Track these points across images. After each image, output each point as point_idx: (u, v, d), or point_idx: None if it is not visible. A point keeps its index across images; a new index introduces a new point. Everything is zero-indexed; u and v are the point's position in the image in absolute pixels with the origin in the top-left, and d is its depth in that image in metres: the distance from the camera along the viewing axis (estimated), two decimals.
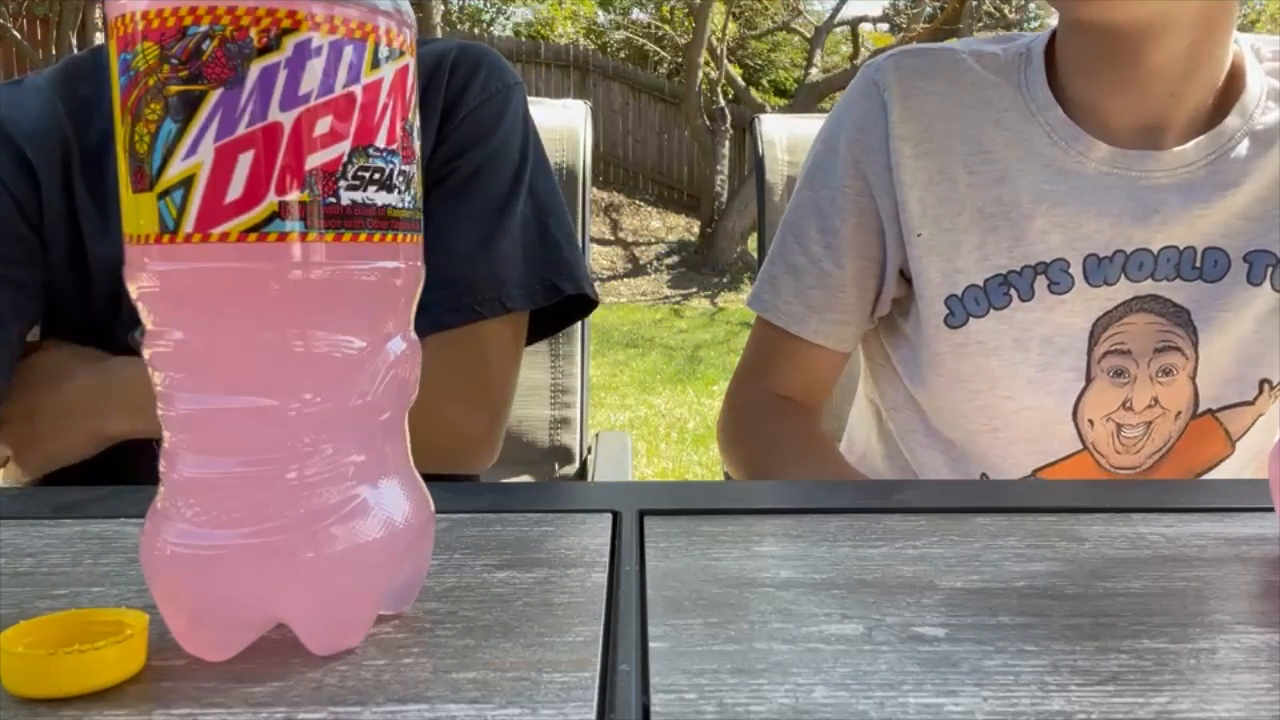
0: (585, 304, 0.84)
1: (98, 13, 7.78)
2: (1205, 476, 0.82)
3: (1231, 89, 0.79)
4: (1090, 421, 0.79)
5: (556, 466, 1.26)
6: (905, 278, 0.84)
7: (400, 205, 0.35)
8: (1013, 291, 0.79)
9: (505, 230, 0.80)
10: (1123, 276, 0.77)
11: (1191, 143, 0.77)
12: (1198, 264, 0.77)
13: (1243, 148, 0.77)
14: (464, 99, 0.81)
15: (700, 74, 8.83)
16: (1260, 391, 0.79)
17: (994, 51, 0.82)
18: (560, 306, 0.82)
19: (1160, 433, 0.80)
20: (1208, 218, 0.76)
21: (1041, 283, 0.78)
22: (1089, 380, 0.78)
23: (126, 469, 0.78)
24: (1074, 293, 0.78)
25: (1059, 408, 0.79)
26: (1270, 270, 0.77)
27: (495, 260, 0.79)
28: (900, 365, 0.88)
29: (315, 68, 0.32)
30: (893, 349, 0.89)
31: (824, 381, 0.89)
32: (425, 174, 0.79)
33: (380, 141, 0.34)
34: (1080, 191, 0.77)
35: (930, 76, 0.81)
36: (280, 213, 0.32)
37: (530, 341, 0.85)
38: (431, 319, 0.76)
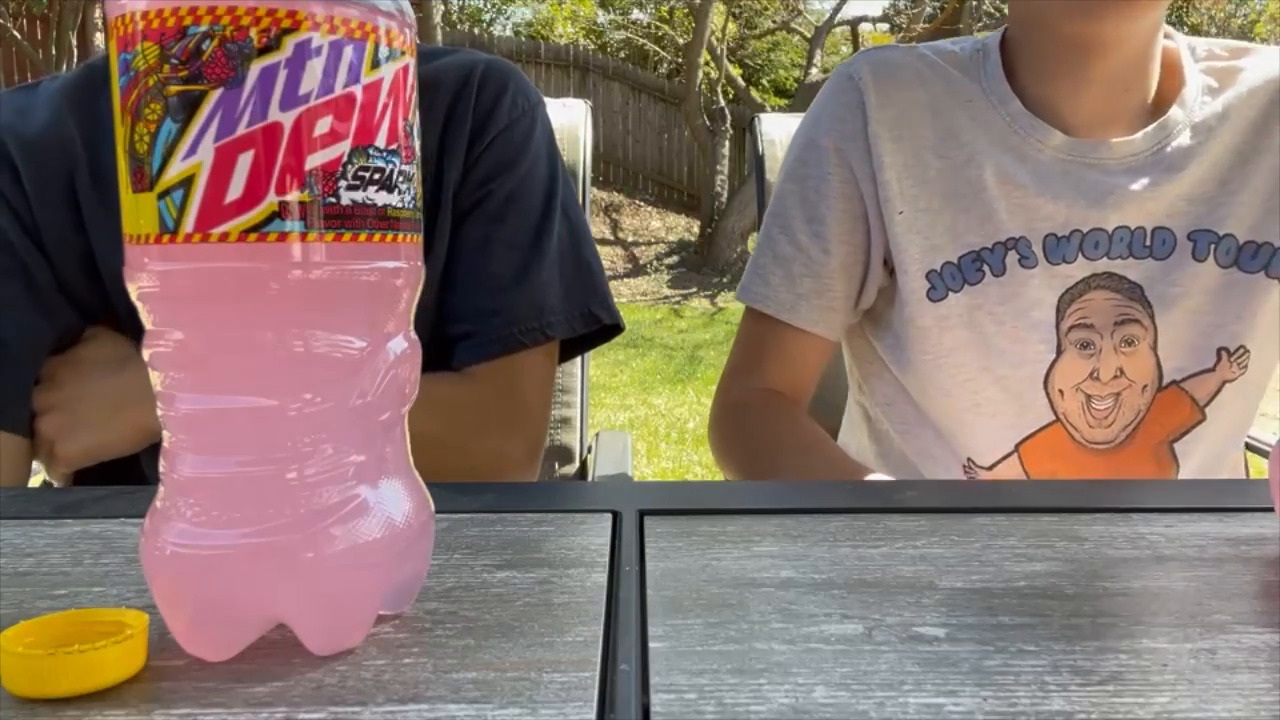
0: (610, 329, 0.85)
1: (98, 13, 7.78)
2: (1182, 443, 0.85)
3: (1173, 84, 0.86)
4: (1061, 392, 0.84)
5: (556, 466, 1.26)
6: (888, 268, 0.88)
7: (400, 205, 0.35)
8: (986, 268, 0.84)
9: (543, 257, 0.80)
10: (1080, 255, 0.83)
11: (1140, 133, 0.83)
12: (1148, 243, 0.83)
13: (1184, 137, 0.83)
14: (493, 119, 0.81)
15: (700, 74, 8.83)
16: (1219, 359, 0.84)
17: (953, 49, 0.89)
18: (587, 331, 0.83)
19: (1130, 405, 0.84)
20: (1155, 200, 0.83)
21: (1012, 258, 0.83)
22: (1059, 352, 0.83)
23: (133, 468, 0.77)
24: (1039, 269, 0.83)
25: (1031, 379, 0.84)
26: (1213, 248, 0.83)
27: (535, 288, 0.79)
28: (887, 353, 0.90)
29: (315, 68, 0.32)
30: (879, 340, 0.91)
31: (813, 373, 0.92)
32: (456, 199, 0.79)
33: (380, 141, 0.34)
34: (1039, 176, 0.83)
35: (900, 69, 0.87)
36: (280, 213, 0.32)
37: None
38: (476, 347, 0.77)
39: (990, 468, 0.87)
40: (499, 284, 0.78)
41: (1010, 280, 0.83)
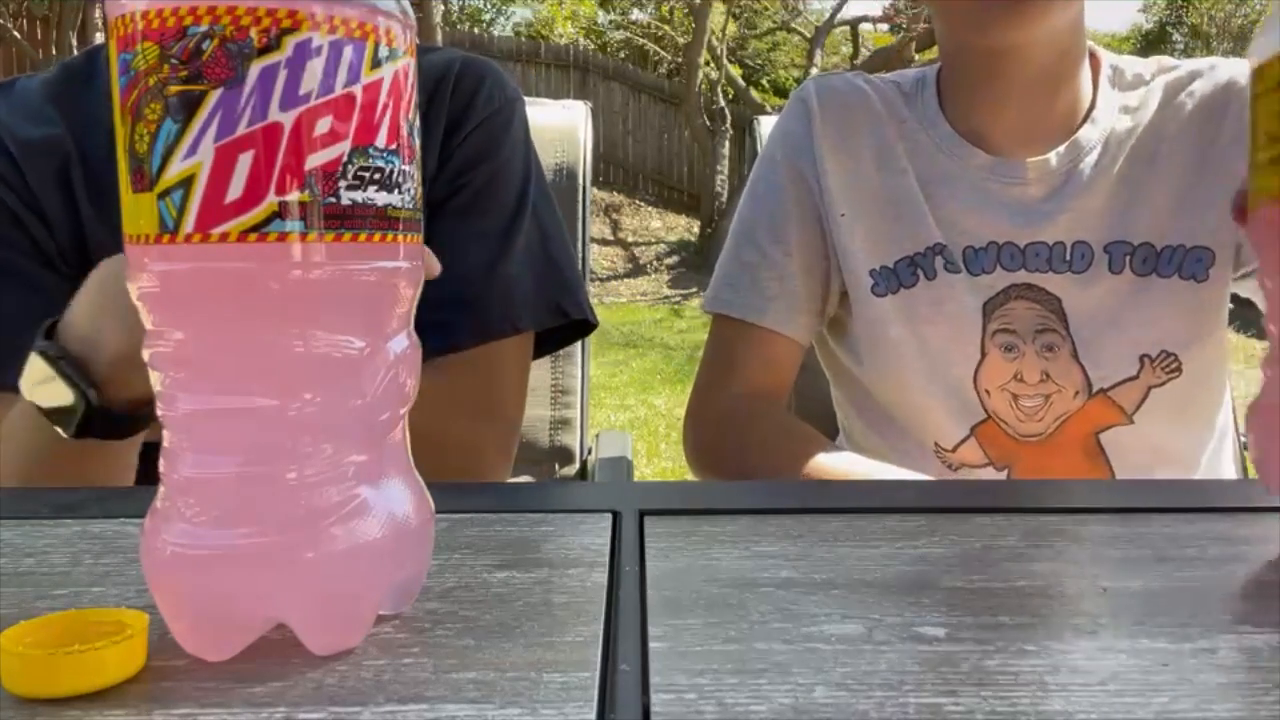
0: (583, 327, 0.85)
1: (98, 13, 7.77)
2: (1107, 435, 0.88)
3: (1090, 102, 0.91)
4: (987, 392, 0.89)
5: (556, 466, 1.26)
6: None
7: (400, 205, 0.35)
8: (919, 272, 0.90)
9: (513, 250, 0.80)
10: (998, 266, 0.88)
11: (1053, 152, 0.88)
12: (1067, 257, 0.88)
13: (1095, 154, 0.88)
14: (469, 114, 0.81)
15: (700, 74, 8.83)
16: (1142, 365, 0.87)
17: (894, 80, 0.98)
18: (559, 327, 0.83)
19: (1060, 406, 0.88)
20: (1069, 215, 0.88)
21: (939, 262, 0.89)
22: (984, 354, 0.88)
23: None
24: (962, 275, 0.89)
25: (962, 378, 0.89)
26: (1128, 258, 0.87)
27: (504, 281, 0.79)
28: (846, 354, 0.96)
29: (315, 68, 0.32)
30: (839, 344, 0.97)
31: (787, 375, 0.94)
32: (430, 191, 0.79)
33: (380, 141, 0.34)
34: (960, 193, 0.90)
35: (844, 93, 0.95)
36: (280, 213, 0.32)
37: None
38: (442, 339, 0.76)
39: (953, 450, 0.90)
40: (469, 276, 0.78)
41: (939, 284, 0.89)
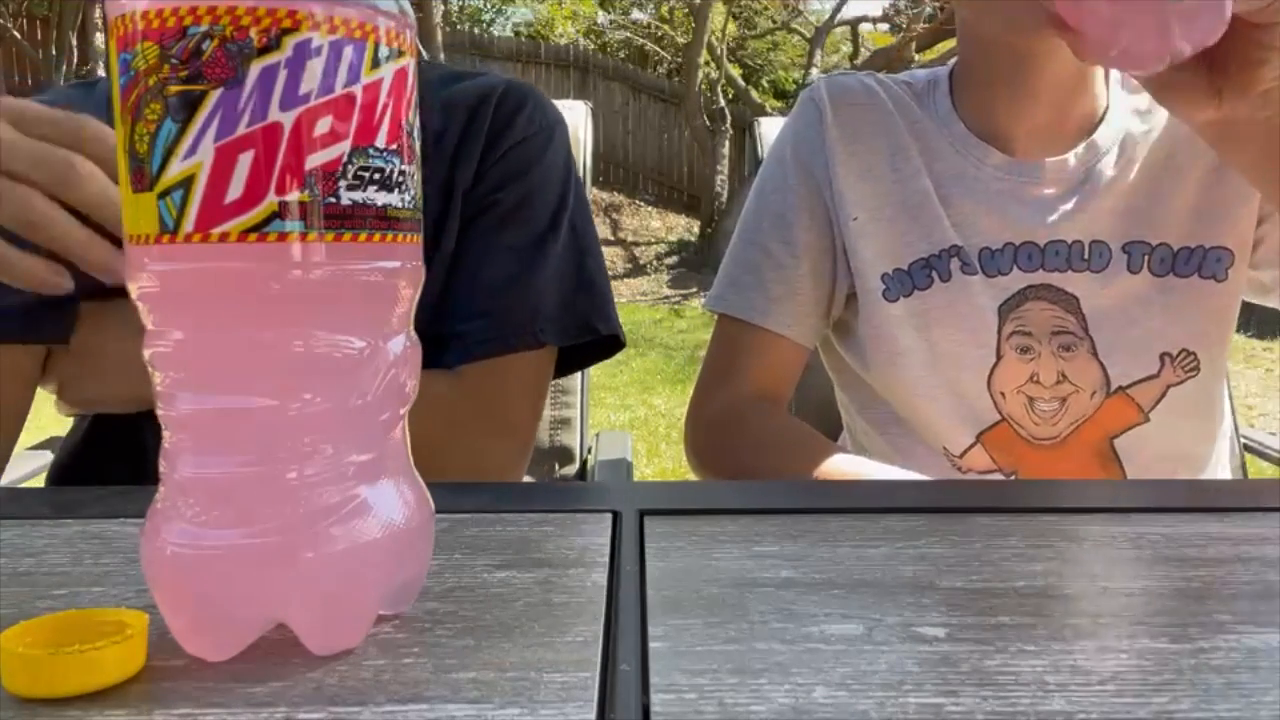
0: (612, 344, 0.85)
1: (98, 13, 7.78)
2: (1122, 440, 0.88)
3: (1104, 107, 0.92)
4: (1003, 394, 0.88)
5: (556, 466, 1.26)
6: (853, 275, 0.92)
7: (400, 205, 0.35)
8: (933, 274, 0.89)
9: (542, 264, 0.80)
10: (1015, 267, 0.88)
11: (1070, 152, 0.88)
12: (1085, 256, 0.87)
13: (1112, 155, 0.89)
14: (508, 134, 0.82)
15: (700, 74, 8.82)
16: (1162, 364, 0.87)
17: (906, 80, 0.97)
18: (586, 343, 0.83)
19: (1076, 408, 0.87)
20: (1087, 214, 0.87)
21: (955, 264, 0.88)
22: (999, 357, 0.87)
23: (136, 438, 0.77)
24: (979, 277, 0.88)
25: (975, 381, 0.88)
26: (1146, 258, 0.87)
27: (530, 293, 0.79)
28: (851, 356, 0.95)
29: (315, 68, 0.32)
30: (844, 345, 0.96)
31: (789, 379, 0.94)
32: (465, 206, 0.80)
33: (380, 141, 0.34)
34: (975, 193, 0.89)
35: (855, 90, 0.94)
36: (280, 213, 0.32)
37: (554, 376, 0.86)
38: (465, 348, 0.77)
39: (961, 455, 0.90)
40: (495, 287, 0.79)
41: (954, 286, 0.88)
